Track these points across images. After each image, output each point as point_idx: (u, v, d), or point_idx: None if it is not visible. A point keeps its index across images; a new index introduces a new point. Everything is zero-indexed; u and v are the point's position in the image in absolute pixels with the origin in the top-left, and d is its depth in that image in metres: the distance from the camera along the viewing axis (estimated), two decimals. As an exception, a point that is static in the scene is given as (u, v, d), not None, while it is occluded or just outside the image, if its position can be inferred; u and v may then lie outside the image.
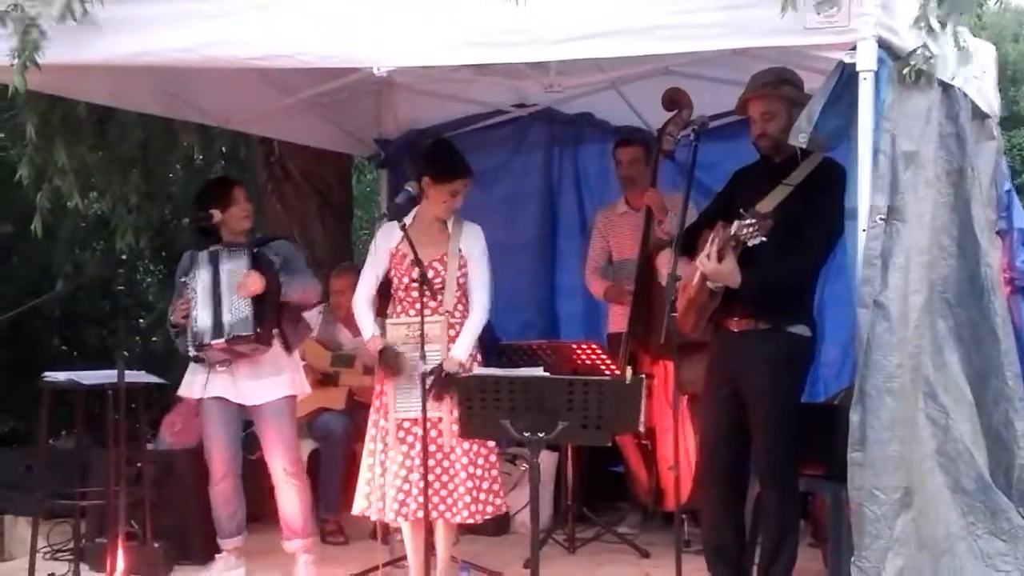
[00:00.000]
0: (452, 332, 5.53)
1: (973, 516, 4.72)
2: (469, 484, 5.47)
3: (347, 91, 7.26)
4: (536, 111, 8.12)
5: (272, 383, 5.88)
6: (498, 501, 5.62)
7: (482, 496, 5.51)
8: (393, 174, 8.32)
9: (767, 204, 4.91)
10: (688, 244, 5.26)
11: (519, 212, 8.22)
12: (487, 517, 5.59)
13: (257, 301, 5.72)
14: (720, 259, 4.89)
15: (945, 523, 4.65)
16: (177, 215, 9.22)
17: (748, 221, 4.72)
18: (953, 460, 4.70)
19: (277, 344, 5.86)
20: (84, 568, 6.08)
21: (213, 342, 5.75)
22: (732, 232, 4.79)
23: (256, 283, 5.71)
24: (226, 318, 5.71)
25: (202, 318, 5.76)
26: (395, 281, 5.62)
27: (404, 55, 5.03)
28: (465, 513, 5.48)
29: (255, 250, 5.82)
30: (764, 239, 4.69)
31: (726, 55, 5.33)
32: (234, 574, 5.99)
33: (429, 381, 5.30)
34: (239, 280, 5.73)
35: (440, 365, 5.39)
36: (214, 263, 5.80)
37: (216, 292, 5.74)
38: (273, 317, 5.81)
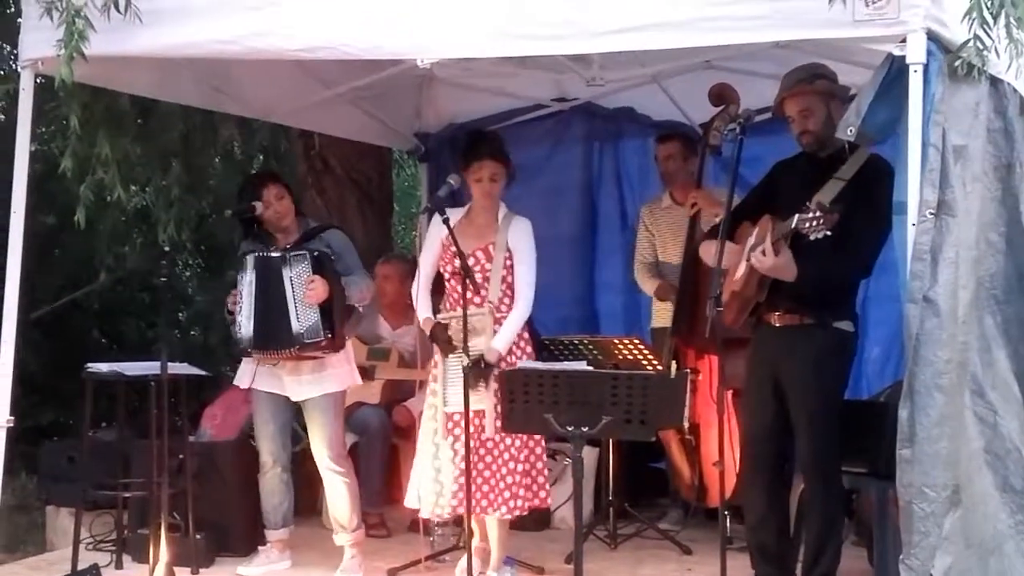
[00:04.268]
0: (497, 327, 5.55)
1: (1022, 515, 4.65)
2: (509, 479, 5.50)
3: (388, 84, 7.26)
4: (576, 105, 8.09)
5: (313, 379, 5.85)
6: (542, 494, 5.64)
7: (522, 491, 5.53)
8: (433, 168, 8.34)
9: (823, 197, 4.85)
10: (728, 236, 5.22)
11: (558, 207, 8.18)
12: (524, 512, 5.61)
13: (324, 306, 5.69)
14: (776, 252, 4.85)
15: (993, 522, 4.59)
16: (217, 208, 9.23)
17: (813, 214, 4.65)
18: (1001, 458, 4.64)
19: None
20: (126, 559, 6.13)
21: (263, 353, 5.78)
22: (793, 225, 4.74)
23: (322, 290, 5.67)
24: (295, 327, 5.68)
25: (244, 326, 5.76)
26: (443, 272, 5.66)
27: (447, 47, 5.04)
28: (504, 509, 5.50)
29: (315, 253, 5.75)
30: (828, 233, 4.64)
31: (768, 49, 5.30)
32: (279, 567, 6.02)
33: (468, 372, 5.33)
34: (303, 287, 5.69)
35: (481, 355, 5.41)
36: (263, 268, 5.76)
37: (275, 301, 5.71)
38: (341, 320, 5.77)
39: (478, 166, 5.62)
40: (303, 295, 5.68)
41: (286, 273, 5.71)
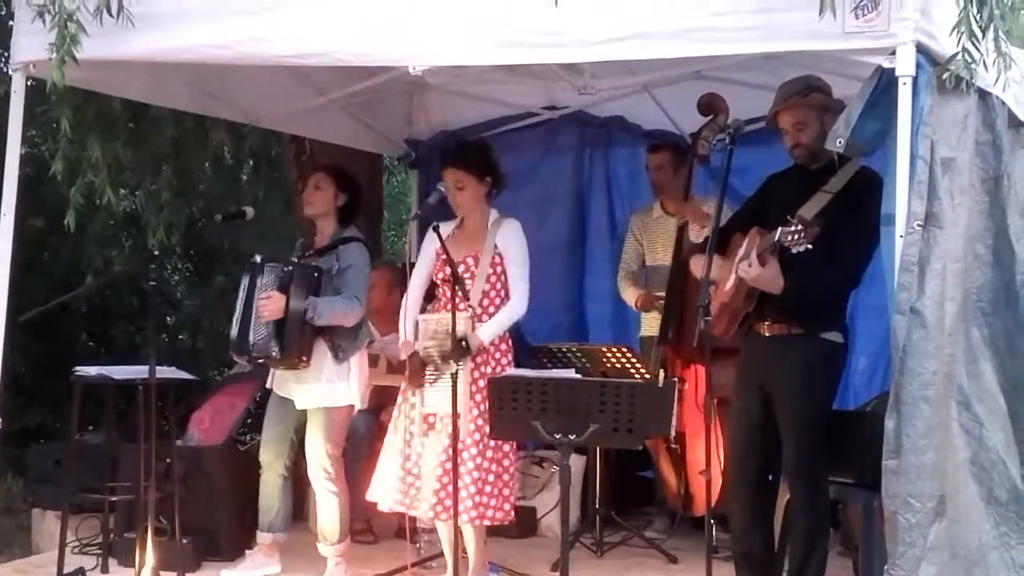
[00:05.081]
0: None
1: (1006, 526, 4.69)
2: (473, 488, 5.47)
3: (379, 91, 7.28)
4: (567, 114, 8.09)
5: (309, 389, 5.82)
6: (506, 507, 5.60)
7: (484, 500, 5.51)
8: (423, 175, 8.34)
9: (808, 211, 4.88)
10: (719, 248, 5.23)
11: (548, 215, 8.17)
12: (482, 522, 5.57)
13: (280, 322, 5.66)
14: (762, 264, 4.87)
15: (978, 533, 4.62)
16: (207, 212, 9.22)
17: (794, 228, 4.69)
18: (987, 470, 4.67)
19: (325, 352, 5.80)
20: (112, 563, 6.11)
21: (237, 358, 5.81)
22: (776, 238, 4.77)
23: (273, 308, 5.63)
24: (251, 337, 5.69)
25: (233, 327, 5.78)
26: (435, 279, 5.68)
27: (439, 54, 5.05)
28: (465, 517, 5.47)
29: (288, 268, 5.73)
30: (809, 246, 4.67)
31: (759, 59, 5.32)
32: (264, 571, 6.00)
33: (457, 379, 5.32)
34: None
35: (464, 337, 5.38)
36: (251, 274, 5.76)
37: (247, 307, 5.72)
38: (301, 336, 5.70)
39: (443, 174, 5.67)
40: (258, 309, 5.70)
41: (258, 283, 5.72)
